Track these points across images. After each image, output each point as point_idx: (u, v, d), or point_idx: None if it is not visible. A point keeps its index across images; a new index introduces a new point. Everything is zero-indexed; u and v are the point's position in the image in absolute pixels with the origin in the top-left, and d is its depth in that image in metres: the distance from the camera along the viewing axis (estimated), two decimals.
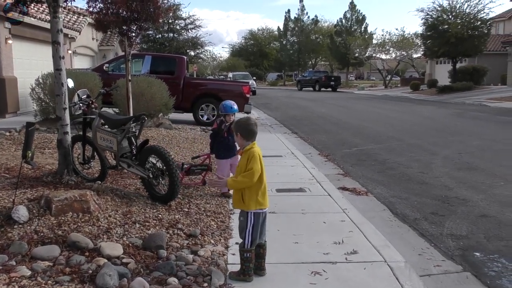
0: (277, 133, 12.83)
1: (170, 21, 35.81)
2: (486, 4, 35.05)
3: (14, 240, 3.82)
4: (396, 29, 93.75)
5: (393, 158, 9.43)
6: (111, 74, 13.35)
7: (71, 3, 6.61)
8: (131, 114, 9.60)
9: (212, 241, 4.27)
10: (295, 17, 66.57)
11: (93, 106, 6.20)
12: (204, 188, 6.14)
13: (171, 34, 37.63)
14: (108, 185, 5.83)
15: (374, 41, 53.25)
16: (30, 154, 4.87)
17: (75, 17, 19.52)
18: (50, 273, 3.36)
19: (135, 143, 5.71)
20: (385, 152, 10.11)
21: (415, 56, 49.58)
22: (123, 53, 11.80)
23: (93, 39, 22.83)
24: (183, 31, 38.46)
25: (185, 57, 16.03)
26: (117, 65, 14.44)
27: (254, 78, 50.37)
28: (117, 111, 12.08)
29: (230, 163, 6.00)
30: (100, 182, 5.85)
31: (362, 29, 58.96)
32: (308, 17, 66.48)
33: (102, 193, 5.19)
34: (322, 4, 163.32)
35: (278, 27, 70.92)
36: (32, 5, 7.13)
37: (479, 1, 33.32)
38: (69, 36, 17.33)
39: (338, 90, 47.09)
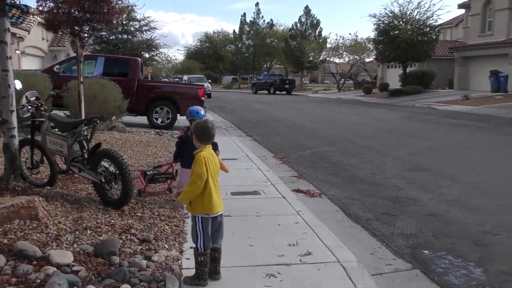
0: (232, 136, 12.83)
1: (124, 22, 35.21)
2: (435, 11, 36.56)
3: None
4: (350, 34, 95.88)
5: (346, 160, 9.63)
6: (62, 76, 12.96)
7: (19, 1, 6.38)
8: (83, 117, 9.35)
9: (166, 246, 4.21)
10: (250, 21, 67.00)
11: (42, 108, 6.01)
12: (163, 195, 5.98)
13: (125, 36, 37.00)
14: (58, 190, 5.66)
15: (328, 45, 54.55)
16: None
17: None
18: None
19: (86, 147, 5.56)
20: (338, 154, 10.31)
21: (367, 60, 51.02)
22: (74, 54, 11.47)
23: (43, 39, 22.12)
24: (137, 32, 37.94)
25: (140, 59, 15.80)
26: (69, 66, 14.03)
27: (210, 81, 50.22)
28: (68, 114, 11.74)
29: None
30: (49, 187, 5.67)
31: (317, 33, 60.02)
32: (264, 20, 67.17)
33: (51, 199, 5.03)
34: (277, 8, 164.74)
35: (234, 30, 71.20)
36: None
37: (428, 8, 34.64)
38: (17, 35, 16.74)
39: (292, 93, 47.70)
